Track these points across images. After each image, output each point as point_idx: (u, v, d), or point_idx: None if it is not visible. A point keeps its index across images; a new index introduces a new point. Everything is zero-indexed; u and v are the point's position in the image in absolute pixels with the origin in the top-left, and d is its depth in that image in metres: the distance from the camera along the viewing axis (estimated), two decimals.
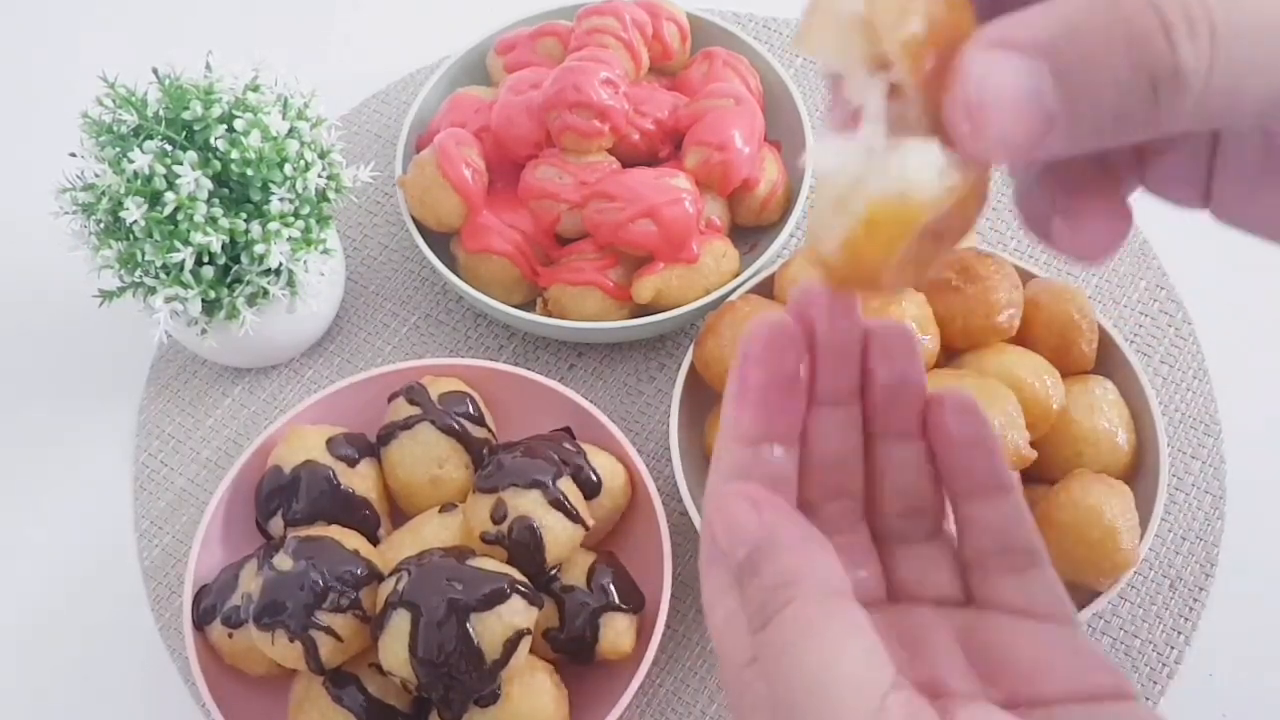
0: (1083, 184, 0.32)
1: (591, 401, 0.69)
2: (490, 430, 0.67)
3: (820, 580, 0.30)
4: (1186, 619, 0.65)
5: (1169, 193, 0.34)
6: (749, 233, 0.77)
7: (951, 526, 0.36)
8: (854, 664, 0.28)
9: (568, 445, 0.63)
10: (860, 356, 0.34)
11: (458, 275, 0.73)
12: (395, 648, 0.54)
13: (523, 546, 0.58)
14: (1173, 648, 0.64)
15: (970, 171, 0.28)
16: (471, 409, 0.66)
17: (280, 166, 0.64)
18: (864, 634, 0.29)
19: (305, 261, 0.66)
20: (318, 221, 0.67)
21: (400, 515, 0.65)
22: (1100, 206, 0.32)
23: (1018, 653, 0.34)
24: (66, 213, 0.64)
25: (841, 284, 0.30)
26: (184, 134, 0.63)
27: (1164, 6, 0.25)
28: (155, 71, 0.66)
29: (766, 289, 0.69)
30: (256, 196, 0.64)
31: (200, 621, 0.60)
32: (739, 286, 0.69)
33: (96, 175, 0.63)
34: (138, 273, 0.63)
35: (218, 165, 0.63)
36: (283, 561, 0.56)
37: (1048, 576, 0.36)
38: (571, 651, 0.60)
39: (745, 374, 0.33)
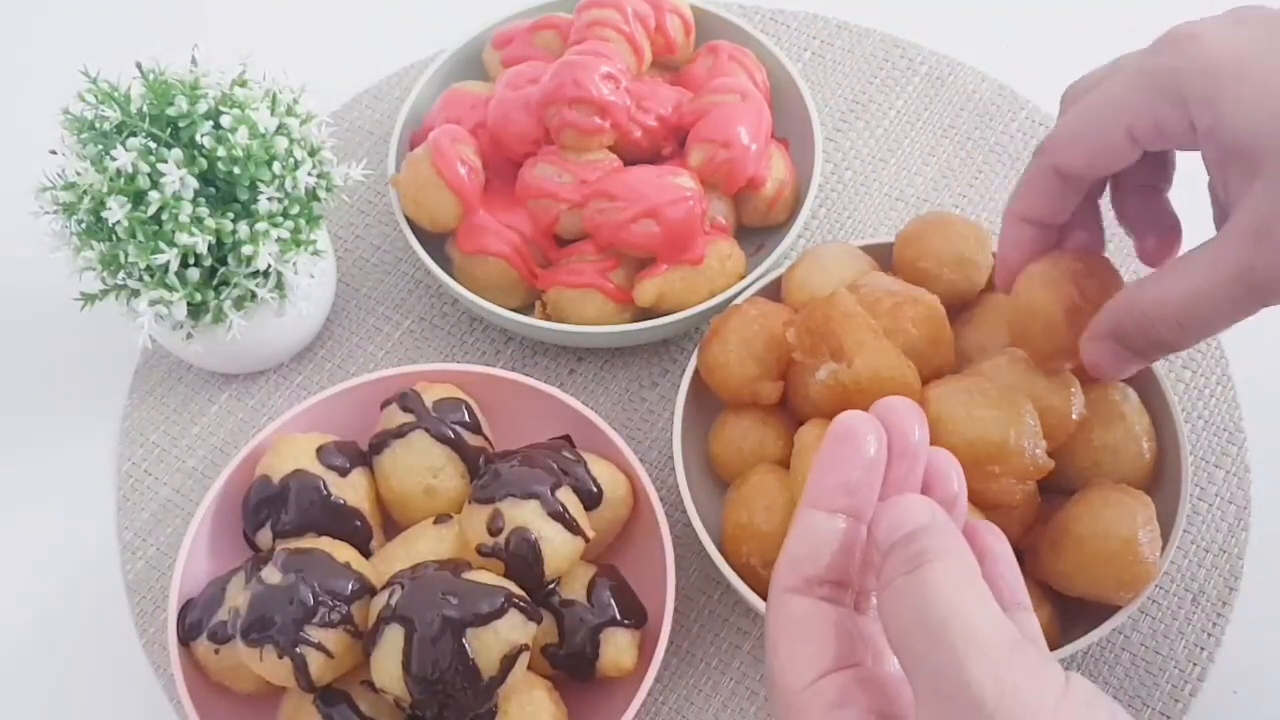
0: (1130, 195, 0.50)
1: (592, 408, 0.67)
2: (487, 438, 0.65)
3: (965, 554, 0.33)
4: (1210, 634, 0.62)
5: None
6: (755, 233, 0.75)
7: None
8: (985, 620, 0.31)
9: (567, 454, 0.61)
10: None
11: (453, 277, 0.71)
12: (388, 664, 0.52)
13: (520, 559, 0.56)
14: (1195, 664, 0.62)
15: None
16: (467, 416, 0.64)
17: (269, 164, 0.62)
18: (995, 607, 0.32)
19: (294, 263, 0.64)
20: (308, 221, 0.65)
21: (393, 526, 0.63)
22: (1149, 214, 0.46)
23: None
24: (47, 212, 0.62)
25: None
26: (169, 131, 0.62)
27: None
28: (139, 66, 0.64)
29: (773, 292, 0.67)
30: (244, 196, 0.62)
31: (186, 637, 0.58)
32: (745, 289, 0.67)
33: (78, 173, 0.61)
34: (120, 275, 0.61)
35: (204, 163, 0.61)
36: (271, 575, 0.55)
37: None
38: (571, 668, 0.58)
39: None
